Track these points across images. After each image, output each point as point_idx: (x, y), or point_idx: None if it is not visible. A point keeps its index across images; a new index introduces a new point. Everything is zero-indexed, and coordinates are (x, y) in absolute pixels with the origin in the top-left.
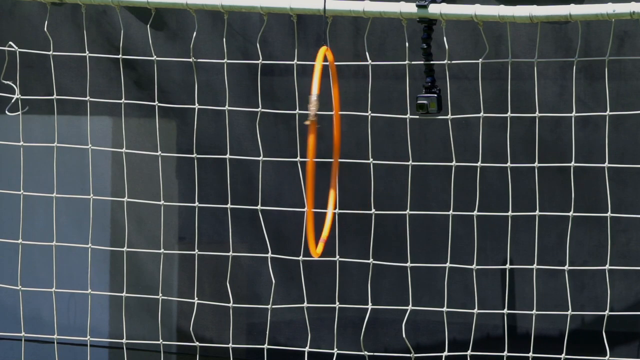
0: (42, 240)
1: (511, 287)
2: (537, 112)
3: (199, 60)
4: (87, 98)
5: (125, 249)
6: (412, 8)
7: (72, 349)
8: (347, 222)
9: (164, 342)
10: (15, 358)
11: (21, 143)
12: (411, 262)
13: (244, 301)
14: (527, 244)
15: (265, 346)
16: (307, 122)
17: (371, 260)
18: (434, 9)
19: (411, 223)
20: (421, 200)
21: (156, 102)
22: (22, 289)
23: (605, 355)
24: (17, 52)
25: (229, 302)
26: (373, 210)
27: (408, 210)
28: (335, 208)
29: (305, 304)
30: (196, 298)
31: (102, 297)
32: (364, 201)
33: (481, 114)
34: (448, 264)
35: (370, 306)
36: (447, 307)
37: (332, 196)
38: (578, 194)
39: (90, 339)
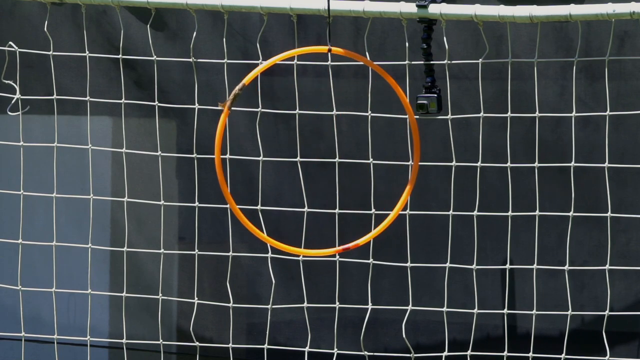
0: (42, 240)
1: (511, 287)
2: (537, 112)
3: (199, 60)
4: (87, 98)
5: (125, 249)
6: (412, 8)
7: (72, 349)
8: (347, 221)
9: (164, 342)
10: (15, 358)
11: (21, 143)
12: (411, 262)
13: (244, 301)
14: (527, 244)
15: (265, 346)
16: (221, 105)
17: (371, 260)
18: (434, 9)
19: (411, 223)
20: (421, 200)
21: (156, 102)
22: (22, 289)
23: (605, 355)
24: (17, 52)
25: (229, 302)
26: (373, 210)
27: (408, 210)
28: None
29: (305, 304)
30: (196, 298)
31: (102, 297)
32: (364, 201)
33: (481, 114)
34: (448, 264)
35: (370, 306)
36: (447, 307)
37: (407, 193)
38: (578, 194)
39: (90, 339)
